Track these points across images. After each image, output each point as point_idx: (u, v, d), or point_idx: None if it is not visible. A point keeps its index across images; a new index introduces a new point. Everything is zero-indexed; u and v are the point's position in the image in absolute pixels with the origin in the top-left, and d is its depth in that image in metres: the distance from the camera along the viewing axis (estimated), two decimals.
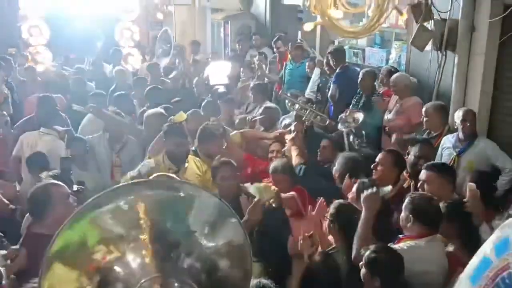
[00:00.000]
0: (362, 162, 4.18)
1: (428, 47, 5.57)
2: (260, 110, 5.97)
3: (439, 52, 5.50)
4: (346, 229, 3.25)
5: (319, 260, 2.94)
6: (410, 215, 3.08)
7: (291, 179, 4.20)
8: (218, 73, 7.27)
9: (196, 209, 1.07)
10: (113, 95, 6.58)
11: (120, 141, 5.41)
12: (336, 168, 4.18)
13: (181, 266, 1.02)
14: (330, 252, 3.26)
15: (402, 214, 3.14)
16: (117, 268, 0.95)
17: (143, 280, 0.95)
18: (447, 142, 4.76)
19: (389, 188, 3.72)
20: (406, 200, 3.16)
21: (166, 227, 1.03)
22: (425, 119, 4.93)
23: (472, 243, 2.83)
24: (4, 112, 6.58)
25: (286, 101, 6.01)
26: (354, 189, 3.64)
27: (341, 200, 3.58)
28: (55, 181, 3.36)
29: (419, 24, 5.30)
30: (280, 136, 4.97)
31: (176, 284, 0.98)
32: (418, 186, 3.71)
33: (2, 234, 3.23)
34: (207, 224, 1.07)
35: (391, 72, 6.27)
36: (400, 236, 3.16)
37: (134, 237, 0.98)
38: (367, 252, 2.83)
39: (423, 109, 4.99)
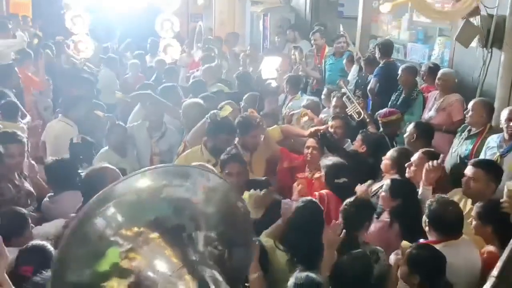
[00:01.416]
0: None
1: (473, 43, 5.43)
2: (304, 103, 6.00)
3: (484, 48, 5.36)
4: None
5: (352, 255, 2.91)
6: (427, 220, 3.08)
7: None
8: (269, 67, 7.28)
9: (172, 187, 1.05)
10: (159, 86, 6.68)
11: (159, 130, 5.48)
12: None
13: (198, 245, 1.01)
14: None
15: (424, 217, 3.13)
16: (146, 272, 0.95)
17: (169, 274, 0.94)
18: (492, 141, 4.62)
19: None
20: (427, 202, 3.15)
21: (161, 217, 1.02)
22: (469, 113, 4.71)
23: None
24: (49, 100, 6.79)
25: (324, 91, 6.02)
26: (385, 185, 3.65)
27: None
28: (110, 166, 3.42)
29: (465, 20, 5.17)
30: (315, 133, 4.93)
31: (202, 268, 0.97)
32: (463, 181, 3.63)
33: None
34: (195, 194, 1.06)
35: (431, 68, 6.16)
36: (420, 240, 3.13)
37: (145, 239, 0.98)
38: (409, 250, 2.81)
39: (469, 104, 4.78)
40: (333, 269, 2.85)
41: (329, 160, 4.17)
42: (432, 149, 4.27)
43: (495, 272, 1.28)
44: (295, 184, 4.14)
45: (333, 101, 5.77)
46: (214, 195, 1.08)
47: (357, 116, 5.41)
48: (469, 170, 3.61)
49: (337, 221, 3.26)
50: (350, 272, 2.79)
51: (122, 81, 8.11)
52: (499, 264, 1.29)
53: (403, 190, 3.63)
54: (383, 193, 3.65)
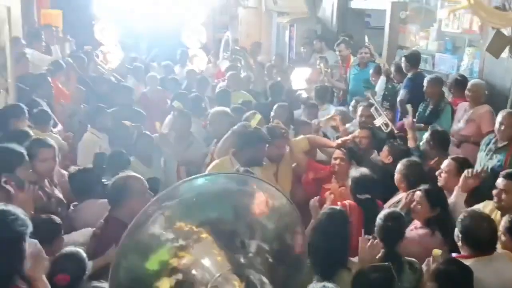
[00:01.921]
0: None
1: (504, 54, 5.34)
2: (332, 112, 6.01)
3: None
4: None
5: (374, 266, 2.86)
6: (460, 235, 3.04)
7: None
8: (300, 78, 7.32)
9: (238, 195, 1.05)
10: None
11: (187, 140, 5.51)
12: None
13: (250, 251, 1.01)
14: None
15: (456, 230, 3.09)
16: (193, 270, 0.96)
17: (217, 275, 0.95)
18: None
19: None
20: (460, 216, 3.10)
21: (220, 220, 1.02)
22: (502, 127, 4.59)
23: None
24: (76, 107, 6.90)
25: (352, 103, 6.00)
26: (417, 198, 3.59)
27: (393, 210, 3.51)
28: (136, 175, 3.48)
29: (495, 30, 5.09)
30: (342, 144, 4.90)
31: (250, 271, 0.97)
32: (494, 193, 3.57)
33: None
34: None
35: (457, 80, 6.08)
36: (453, 254, 3.09)
37: (198, 238, 0.98)
38: (436, 265, 2.76)
39: (499, 117, 4.66)
40: (353, 282, 2.80)
41: (357, 171, 4.14)
42: (462, 156, 4.22)
43: None
44: (327, 193, 4.12)
45: (359, 110, 5.75)
46: (276, 212, 1.09)
47: (385, 127, 5.36)
48: (500, 182, 3.55)
49: (373, 239, 3.21)
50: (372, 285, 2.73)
51: (141, 95, 7.87)
52: None
53: (441, 199, 3.62)
54: (417, 204, 3.59)
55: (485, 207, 3.64)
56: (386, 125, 5.35)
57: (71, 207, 4.01)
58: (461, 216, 3.11)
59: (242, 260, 0.98)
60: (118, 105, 6.21)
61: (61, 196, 4.03)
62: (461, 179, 3.80)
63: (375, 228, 3.29)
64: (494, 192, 3.58)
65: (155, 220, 0.99)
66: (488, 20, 4.80)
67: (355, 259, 3.22)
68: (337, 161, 4.69)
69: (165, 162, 5.51)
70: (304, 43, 9.98)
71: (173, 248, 0.95)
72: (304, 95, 7.03)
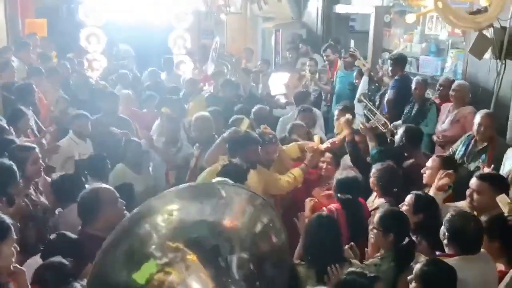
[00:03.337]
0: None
1: (487, 55, 5.42)
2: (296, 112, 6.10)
3: (498, 60, 5.34)
4: (395, 234, 3.22)
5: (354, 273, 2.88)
6: (447, 233, 3.06)
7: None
8: (278, 83, 7.33)
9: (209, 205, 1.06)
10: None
11: (176, 145, 5.51)
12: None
13: (232, 268, 1.01)
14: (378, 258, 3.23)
15: (442, 228, 3.10)
16: None
17: None
18: (509, 153, 4.60)
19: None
20: (448, 215, 3.12)
21: (197, 238, 1.02)
22: (481, 128, 4.66)
23: None
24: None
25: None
26: (408, 200, 3.61)
27: (388, 207, 3.55)
28: (105, 185, 3.43)
29: (478, 32, 5.16)
30: (330, 148, 4.92)
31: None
32: (467, 193, 3.63)
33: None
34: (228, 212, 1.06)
35: (450, 82, 6.15)
36: (438, 253, 3.11)
37: (183, 256, 0.98)
38: (419, 266, 2.78)
39: (479, 117, 4.71)
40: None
41: (342, 173, 4.18)
42: (447, 155, 4.26)
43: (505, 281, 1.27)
44: (307, 200, 4.15)
45: (336, 113, 5.84)
46: (253, 215, 1.09)
47: (383, 128, 5.39)
48: (473, 183, 3.60)
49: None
50: None
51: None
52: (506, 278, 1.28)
53: (425, 204, 3.58)
54: (404, 208, 3.60)
55: (462, 207, 3.68)
56: (384, 125, 5.37)
57: (56, 213, 3.97)
58: (448, 215, 3.12)
59: (226, 278, 0.98)
60: (102, 112, 6.16)
61: (46, 202, 4.02)
62: (436, 179, 3.83)
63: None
64: (467, 192, 3.62)
65: (141, 236, 0.98)
66: (456, 24, 4.86)
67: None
68: (325, 165, 4.73)
69: (154, 167, 5.51)
70: (289, 48, 10.02)
71: (160, 264, 0.94)
72: (283, 100, 7.03)
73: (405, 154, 4.71)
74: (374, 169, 4.15)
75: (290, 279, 2.82)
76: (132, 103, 7.06)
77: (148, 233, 0.99)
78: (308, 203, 4.08)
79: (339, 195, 3.98)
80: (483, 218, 3.20)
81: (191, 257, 0.98)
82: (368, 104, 5.73)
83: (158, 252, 0.95)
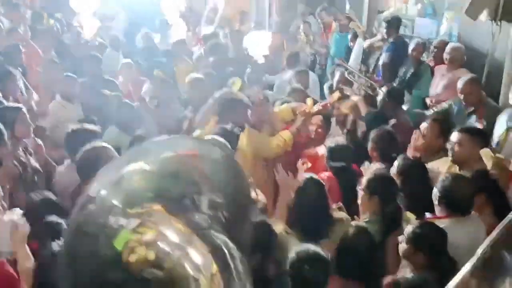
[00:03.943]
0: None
1: (483, 17, 5.34)
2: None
3: (493, 22, 5.27)
4: (381, 198, 3.24)
5: (353, 233, 2.91)
6: (438, 194, 3.09)
7: None
8: (258, 43, 7.13)
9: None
10: None
11: (169, 108, 5.49)
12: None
13: (203, 209, 1.01)
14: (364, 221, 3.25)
15: (434, 190, 3.13)
16: (159, 243, 0.94)
17: (178, 241, 0.94)
18: (503, 115, 4.61)
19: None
20: (442, 177, 3.15)
21: (164, 189, 1.01)
22: (464, 95, 4.67)
23: (501, 210, 2.81)
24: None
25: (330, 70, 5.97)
26: (395, 164, 3.63)
27: (378, 171, 3.55)
28: (104, 144, 3.43)
29: None
30: (323, 110, 4.90)
31: (209, 232, 0.97)
32: (448, 147, 3.67)
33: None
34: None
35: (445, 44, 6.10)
36: (428, 215, 3.14)
37: (150, 212, 0.97)
38: (411, 228, 2.81)
39: (462, 83, 4.69)
40: (338, 244, 2.85)
41: (333, 141, 4.18)
42: (442, 117, 4.27)
43: (487, 241, 1.28)
44: (299, 163, 4.15)
45: (336, 75, 5.78)
46: (216, 164, 1.09)
47: (372, 91, 5.35)
48: (454, 136, 3.65)
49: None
50: (355, 247, 2.78)
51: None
52: (493, 234, 1.29)
53: (408, 168, 3.61)
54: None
55: (445, 163, 3.72)
56: (371, 87, 5.33)
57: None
58: (442, 177, 3.16)
59: (199, 220, 0.98)
60: (87, 75, 6.07)
61: (37, 165, 4.00)
62: (412, 139, 3.93)
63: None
64: (449, 146, 3.67)
65: (104, 211, 0.97)
66: None
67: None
68: (315, 128, 4.71)
69: (147, 130, 5.47)
70: (283, 8, 9.85)
71: (130, 230, 0.93)
72: (261, 61, 6.92)
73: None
74: (373, 134, 4.13)
75: (265, 234, 2.86)
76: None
77: (110, 204, 0.97)
78: (301, 165, 4.09)
79: (331, 163, 3.98)
80: (467, 173, 3.23)
81: (158, 208, 0.97)
82: (349, 68, 5.68)
83: (123, 220, 0.94)
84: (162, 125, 5.45)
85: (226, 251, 0.96)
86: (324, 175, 3.87)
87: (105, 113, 5.07)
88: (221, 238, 0.97)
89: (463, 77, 4.73)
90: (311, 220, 3.15)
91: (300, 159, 4.22)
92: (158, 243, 0.92)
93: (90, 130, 3.91)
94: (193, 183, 1.01)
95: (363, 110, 4.86)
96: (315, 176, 3.43)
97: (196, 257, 0.93)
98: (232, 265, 0.95)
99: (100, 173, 1.08)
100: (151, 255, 0.90)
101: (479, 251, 1.52)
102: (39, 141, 4.29)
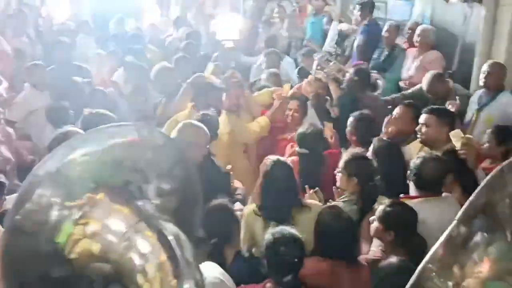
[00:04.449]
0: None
1: None
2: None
3: (465, 3, 5.32)
4: (358, 178, 3.26)
5: (329, 212, 2.94)
6: (410, 174, 3.13)
7: None
8: (228, 27, 7.03)
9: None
10: None
11: (143, 94, 5.40)
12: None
13: (149, 197, 0.99)
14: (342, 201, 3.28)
15: (408, 171, 3.18)
16: (104, 235, 0.92)
17: (125, 230, 0.92)
18: (474, 96, 4.68)
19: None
20: (414, 159, 3.18)
21: (107, 177, 0.99)
22: (432, 93, 4.66)
23: (470, 189, 2.82)
24: None
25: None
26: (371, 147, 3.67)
27: (354, 152, 3.58)
28: (76, 129, 3.37)
29: None
30: (298, 93, 4.90)
31: (157, 220, 0.96)
32: (417, 129, 3.73)
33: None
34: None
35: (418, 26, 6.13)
36: (401, 195, 3.17)
37: (94, 202, 0.94)
38: (382, 207, 2.84)
39: (425, 82, 4.68)
40: (319, 227, 2.86)
41: (305, 127, 4.20)
42: (414, 102, 4.30)
43: (458, 215, 1.30)
44: (288, 147, 4.16)
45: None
46: (160, 151, 1.07)
47: (342, 76, 5.35)
48: (422, 117, 3.70)
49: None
50: (334, 228, 2.79)
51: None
52: (464, 207, 1.32)
53: (383, 149, 3.64)
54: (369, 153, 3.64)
55: (418, 145, 3.77)
56: (340, 71, 5.34)
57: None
58: (414, 159, 3.20)
59: (146, 208, 0.96)
60: (56, 62, 5.94)
61: (8, 154, 3.93)
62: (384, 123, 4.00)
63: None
64: (417, 128, 3.72)
65: (43, 206, 0.93)
66: None
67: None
68: (291, 112, 4.70)
69: (122, 117, 5.40)
70: None
71: (72, 222, 0.90)
72: (229, 45, 6.85)
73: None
74: (351, 118, 4.13)
75: (224, 219, 2.87)
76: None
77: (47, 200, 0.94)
78: (289, 148, 4.10)
79: (297, 149, 4.01)
80: (437, 153, 3.28)
81: (101, 197, 0.95)
82: (317, 51, 5.68)
83: (65, 212, 0.92)
84: (137, 112, 5.38)
85: (174, 239, 0.95)
86: (291, 159, 3.88)
87: (77, 100, 4.97)
88: (169, 226, 0.96)
89: (427, 74, 4.74)
90: (276, 203, 3.15)
91: (289, 144, 4.25)
92: (102, 234, 0.90)
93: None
94: (139, 170, 0.99)
95: (335, 93, 4.87)
96: (282, 158, 3.44)
97: (144, 246, 0.91)
98: (180, 253, 0.94)
99: (39, 165, 1.02)
100: (96, 247, 0.89)
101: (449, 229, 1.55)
102: (10, 130, 4.20)
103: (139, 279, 0.91)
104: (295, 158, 3.94)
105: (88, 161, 0.99)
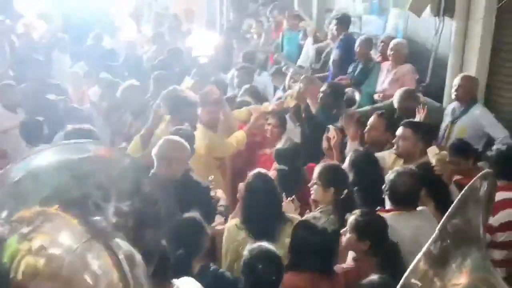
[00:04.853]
0: None
1: (427, 13, 5.49)
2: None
3: (436, 17, 5.43)
4: (334, 188, 3.30)
5: (303, 225, 2.93)
6: (385, 188, 3.15)
7: None
8: (203, 43, 7.07)
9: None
10: None
11: (119, 110, 5.35)
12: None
13: (107, 215, 0.97)
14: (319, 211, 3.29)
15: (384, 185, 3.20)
16: (51, 250, 0.89)
17: (75, 247, 0.90)
18: (448, 109, 4.76)
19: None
20: (389, 172, 3.21)
21: (64, 191, 0.97)
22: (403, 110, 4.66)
23: (444, 205, 2.85)
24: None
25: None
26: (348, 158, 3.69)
27: (326, 163, 3.61)
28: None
29: None
30: (277, 109, 4.92)
31: (111, 238, 0.94)
32: (393, 141, 3.79)
33: None
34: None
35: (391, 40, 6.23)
36: (377, 208, 3.20)
37: (46, 216, 0.92)
38: (353, 217, 2.86)
39: (396, 100, 4.73)
40: (293, 240, 2.86)
41: (283, 143, 4.22)
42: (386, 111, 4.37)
43: (437, 229, 1.33)
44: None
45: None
46: (123, 171, 1.06)
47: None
48: (399, 130, 3.77)
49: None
50: (309, 240, 2.79)
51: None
52: (442, 221, 1.35)
53: (360, 159, 3.66)
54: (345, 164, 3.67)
55: (389, 154, 3.82)
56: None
57: None
58: (389, 173, 3.22)
59: (102, 226, 0.94)
60: (28, 80, 5.87)
61: None
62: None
63: None
64: (394, 140, 3.79)
65: None
66: None
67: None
68: (270, 127, 4.72)
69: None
70: (234, 7, 9.84)
71: (20, 237, 0.87)
72: (203, 60, 6.85)
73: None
74: (326, 132, 4.23)
75: (192, 231, 2.89)
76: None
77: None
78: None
79: (276, 165, 4.03)
80: (411, 166, 3.32)
81: (55, 211, 0.92)
82: (292, 66, 5.72)
83: (15, 225, 0.89)
84: (112, 129, 5.34)
85: (126, 258, 0.93)
86: (271, 174, 3.88)
87: (51, 117, 4.90)
88: (123, 244, 0.94)
89: (398, 91, 4.80)
90: (260, 217, 3.15)
91: (269, 159, 4.25)
92: (50, 249, 0.86)
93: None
94: (101, 187, 0.97)
95: (313, 106, 4.91)
96: (263, 171, 3.44)
97: (96, 264, 0.89)
98: (130, 274, 0.92)
99: None
100: (40, 263, 0.85)
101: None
102: None
103: None
104: (273, 172, 3.94)
105: (47, 172, 0.96)
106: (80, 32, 9.60)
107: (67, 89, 5.99)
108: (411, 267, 1.25)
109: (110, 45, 8.65)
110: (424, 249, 1.29)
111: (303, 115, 5.01)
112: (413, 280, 1.22)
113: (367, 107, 5.20)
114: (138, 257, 0.94)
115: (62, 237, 0.89)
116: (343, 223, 3.12)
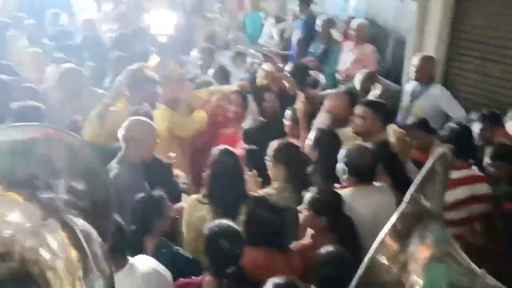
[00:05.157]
0: None
1: None
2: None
3: None
4: (287, 166, 3.29)
5: (255, 201, 2.94)
6: (346, 167, 3.13)
7: None
8: (162, 22, 6.91)
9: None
10: None
11: (79, 96, 5.19)
12: None
13: (59, 192, 0.96)
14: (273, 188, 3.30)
15: (338, 165, 3.18)
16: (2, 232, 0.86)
17: (29, 225, 0.87)
18: (407, 88, 4.82)
19: None
20: (343, 152, 3.20)
21: (14, 167, 0.95)
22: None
23: (400, 182, 2.93)
24: None
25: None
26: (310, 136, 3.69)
27: (281, 141, 3.59)
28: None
29: None
30: (242, 89, 4.88)
31: (66, 215, 0.92)
32: (352, 119, 3.81)
33: None
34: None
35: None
36: (336, 185, 3.22)
37: None
38: (309, 194, 2.88)
39: (358, 81, 4.81)
40: (247, 217, 2.86)
41: (249, 123, 4.18)
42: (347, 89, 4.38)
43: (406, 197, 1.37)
44: None
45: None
46: (73, 152, 1.03)
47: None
48: (358, 109, 3.77)
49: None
50: (260, 217, 2.79)
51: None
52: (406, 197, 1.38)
53: (323, 137, 3.66)
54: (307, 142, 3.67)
55: (346, 133, 3.83)
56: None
57: None
58: (344, 152, 3.21)
59: (53, 201, 0.92)
60: None
61: None
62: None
63: None
64: (353, 118, 3.80)
65: None
66: None
67: None
68: (233, 107, 4.68)
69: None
70: None
71: None
72: (164, 40, 6.78)
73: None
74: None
75: (149, 209, 2.87)
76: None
77: None
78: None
79: (244, 145, 4.00)
80: (369, 144, 3.34)
81: (1, 192, 0.89)
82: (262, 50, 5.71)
83: None
84: (69, 109, 5.18)
85: (82, 234, 0.91)
86: (239, 153, 3.87)
87: (1, 97, 4.70)
88: (78, 222, 0.92)
89: (359, 74, 4.86)
90: (224, 192, 3.14)
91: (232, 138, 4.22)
92: (2, 231, 0.84)
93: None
94: (48, 165, 0.95)
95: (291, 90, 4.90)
96: (230, 147, 3.42)
97: (52, 241, 0.87)
98: (88, 249, 0.91)
99: None
100: None
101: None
102: None
103: (50, 275, 0.86)
104: (241, 151, 3.92)
105: None
106: (37, 11, 9.30)
107: (21, 70, 5.74)
108: (377, 242, 1.28)
109: (69, 25, 8.41)
110: (389, 224, 1.32)
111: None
112: (379, 255, 1.26)
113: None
114: (94, 232, 0.92)
115: (12, 216, 0.86)
116: (300, 200, 3.15)
